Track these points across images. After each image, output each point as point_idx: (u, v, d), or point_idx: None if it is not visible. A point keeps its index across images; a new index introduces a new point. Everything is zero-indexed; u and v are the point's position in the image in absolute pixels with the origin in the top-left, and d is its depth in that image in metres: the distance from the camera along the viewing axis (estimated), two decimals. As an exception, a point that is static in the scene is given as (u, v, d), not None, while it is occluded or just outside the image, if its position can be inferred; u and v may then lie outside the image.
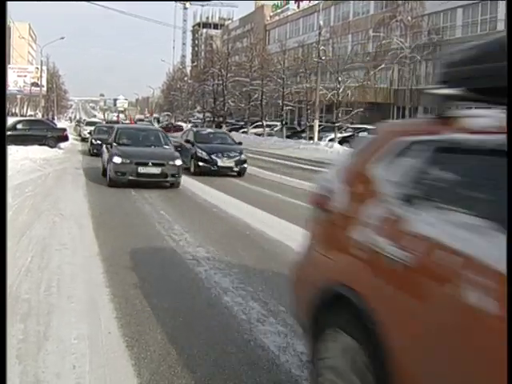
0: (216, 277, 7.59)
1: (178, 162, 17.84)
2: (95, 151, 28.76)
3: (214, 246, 9.40)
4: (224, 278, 7.52)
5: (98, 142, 28.28)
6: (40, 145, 30.94)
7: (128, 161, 17.17)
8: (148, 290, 6.90)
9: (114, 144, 18.60)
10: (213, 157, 21.96)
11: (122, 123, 58.54)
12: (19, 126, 33.54)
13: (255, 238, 10.38)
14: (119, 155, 17.43)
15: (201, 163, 22.04)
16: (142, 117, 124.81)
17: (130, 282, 7.19)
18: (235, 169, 22.25)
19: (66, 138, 35.87)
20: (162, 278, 7.46)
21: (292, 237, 9.29)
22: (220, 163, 21.97)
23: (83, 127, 51.98)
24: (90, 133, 34.36)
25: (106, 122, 55.23)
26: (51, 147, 31.83)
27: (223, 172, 21.96)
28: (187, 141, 23.58)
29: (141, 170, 17.23)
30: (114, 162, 17.30)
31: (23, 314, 5.89)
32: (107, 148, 19.31)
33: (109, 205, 14.19)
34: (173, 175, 17.66)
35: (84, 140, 44.20)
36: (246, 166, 22.63)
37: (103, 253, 8.69)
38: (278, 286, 7.05)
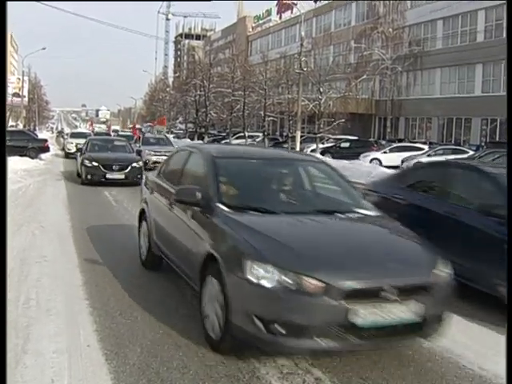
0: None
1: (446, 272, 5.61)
2: (89, 177, 20.90)
3: None
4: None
5: (95, 163, 20.98)
6: (21, 156, 30.71)
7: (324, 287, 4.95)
8: (128, 303, 6.87)
9: (227, 210, 6.19)
10: None
11: (118, 135, 49.72)
12: (0, 137, 33.29)
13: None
14: (278, 264, 5.09)
15: None
16: (117, 128, 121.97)
17: (110, 295, 7.15)
18: None
19: (47, 149, 35.68)
20: (143, 291, 7.43)
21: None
22: None
23: (67, 140, 42.66)
24: (79, 149, 24.87)
25: (95, 134, 46.07)
26: (32, 158, 31.64)
27: None
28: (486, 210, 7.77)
29: (360, 319, 4.98)
30: (263, 289, 5.05)
31: (1, 327, 5.83)
32: (193, 214, 6.61)
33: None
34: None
35: (69, 156, 37.27)
36: None
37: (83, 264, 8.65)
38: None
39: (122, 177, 20.81)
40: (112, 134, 57.68)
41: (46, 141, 37.30)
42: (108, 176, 20.67)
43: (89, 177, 20.84)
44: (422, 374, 5.21)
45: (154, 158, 27.13)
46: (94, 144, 24.45)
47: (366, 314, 4.91)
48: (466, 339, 6.09)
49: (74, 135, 43.82)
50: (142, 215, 8.92)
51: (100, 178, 20.61)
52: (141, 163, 21.76)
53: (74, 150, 35.21)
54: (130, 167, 21.01)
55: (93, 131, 64.57)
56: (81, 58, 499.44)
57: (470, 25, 50.25)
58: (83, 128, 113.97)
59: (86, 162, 21.23)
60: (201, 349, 5.52)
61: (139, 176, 19.65)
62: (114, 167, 20.67)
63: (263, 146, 50.29)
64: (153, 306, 6.74)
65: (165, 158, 28.29)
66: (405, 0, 56.84)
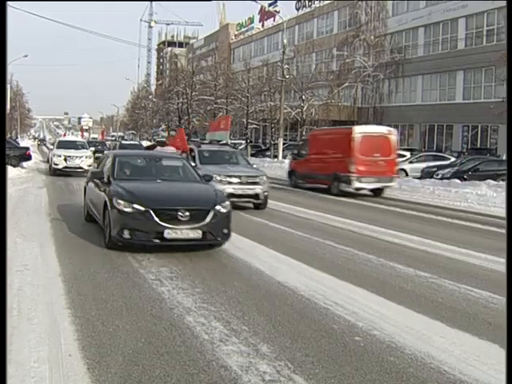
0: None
1: None
2: (128, 235, 10.18)
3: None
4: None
5: (138, 206, 10.22)
6: (2, 164, 30.50)
7: None
8: (110, 311, 6.84)
9: None
10: None
11: (128, 145, 41.50)
12: (-20, 146, 32.97)
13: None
14: None
15: None
16: (96, 136, 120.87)
17: (92, 303, 7.13)
18: None
19: (28, 158, 35.50)
20: (124, 300, 7.40)
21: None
22: None
23: (54, 152, 31.11)
24: (97, 175, 13.19)
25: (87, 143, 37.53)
26: (14, 166, 31.47)
27: None
28: None
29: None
30: None
31: (-18, 337, 5.79)
32: None
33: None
34: None
35: (56, 172, 29.67)
36: None
37: (65, 273, 8.61)
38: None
39: (198, 235, 10.31)
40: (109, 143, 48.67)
41: (27, 149, 37.10)
42: (169, 234, 10.13)
43: (126, 235, 10.21)
44: (403, 379, 5.23)
45: (230, 190, 17.03)
46: (125, 163, 12.81)
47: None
48: (446, 344, 6.11)
49: (63, 145, 32.11)
50: None
51: (151, 238, 10.15)
52: (228, 204, 11.06)
53: (62, 165, 29.39)
54: (211, 214, 10.46)
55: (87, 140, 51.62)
56: (63, 66, 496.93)
57: (450, 32, 50.65)
58: (72, 135, 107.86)
59: (121, 205, 10.43)
60: (183, 357, 5.51)
61: (226, 232, 10.75)
62: (180, 215, 10.15)
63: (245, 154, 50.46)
64: (135, 315, 6.72)
65: (247, 189, 17.71)
66: (388, 0, 57.14)
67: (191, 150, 20.78)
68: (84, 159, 30.07)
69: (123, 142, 51.25)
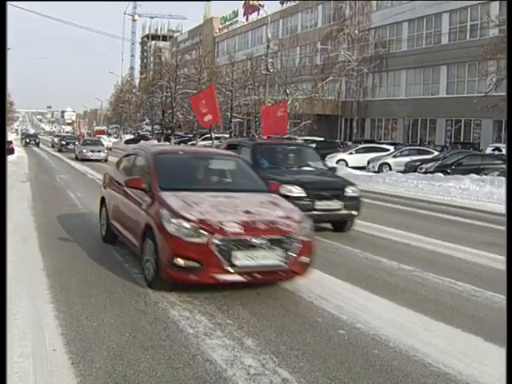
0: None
1: None
2: None
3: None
4: (172, 292, 7.44)
5: None
6: (-16, 158, 30.22)
7: None
8: (94, 305, 6.82)
9: None
10: None
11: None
12: (-38, 139, 32.63)
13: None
14: None
15: None
16: (68, 128, 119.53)
17: (76, 298, 7.09)
18: None
19: (11, 151, 35.36)
20: (109, 294, 7.38)
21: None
22: None
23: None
24: None
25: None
26: (-4, 160, 31.28)
27: None
28: None
29: None
30: None
31: (-35, 332, 5.74)
32: None
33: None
34: None
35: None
36: None
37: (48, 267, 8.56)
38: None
39: None
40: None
41: (10, 142, 36.99)
42: None
43: None
44: (387, 372, 5.25)
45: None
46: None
47: None
48: (430, 337, 6.14)
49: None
50: None
51: None
52: None
53: None
54: None
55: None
56: (46, 59, 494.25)
57: (434, 27, 50.87)
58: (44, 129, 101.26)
59: None
60: (167, 351, 5.50)
61: None
62: None
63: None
64: (119, 309, 6.70)
65: None
66: (371, 0, 57.29)
67: None
68: None
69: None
